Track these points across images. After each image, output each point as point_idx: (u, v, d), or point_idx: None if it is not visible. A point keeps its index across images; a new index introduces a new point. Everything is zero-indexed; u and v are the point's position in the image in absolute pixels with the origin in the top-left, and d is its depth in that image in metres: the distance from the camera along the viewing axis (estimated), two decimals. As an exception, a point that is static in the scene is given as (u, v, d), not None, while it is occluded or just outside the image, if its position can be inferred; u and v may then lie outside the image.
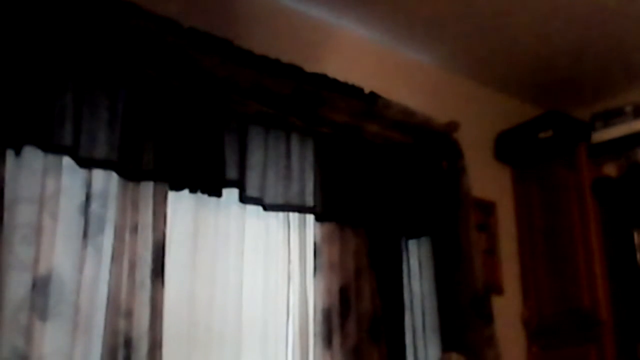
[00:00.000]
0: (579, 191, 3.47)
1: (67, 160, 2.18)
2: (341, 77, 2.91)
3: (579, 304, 3.37)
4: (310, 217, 2.77)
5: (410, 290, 3.03)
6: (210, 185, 2.47)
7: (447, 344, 3.01)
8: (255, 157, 2.62)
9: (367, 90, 2.98)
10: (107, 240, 2.21)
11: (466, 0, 3.06)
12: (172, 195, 2.39)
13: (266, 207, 2.63)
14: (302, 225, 2.77)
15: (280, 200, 2.66)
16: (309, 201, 2.74)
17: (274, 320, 2.61)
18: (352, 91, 2.92)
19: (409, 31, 3.28)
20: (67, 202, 2.17)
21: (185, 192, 2.44)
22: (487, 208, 3.56)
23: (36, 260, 2.06)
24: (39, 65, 2.15)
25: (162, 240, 2.30)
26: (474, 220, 3.19)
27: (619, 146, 3.47)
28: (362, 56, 3.25)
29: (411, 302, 3.02)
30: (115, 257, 2.20)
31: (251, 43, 2.66)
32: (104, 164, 2.24)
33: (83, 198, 2.20)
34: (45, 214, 2.10)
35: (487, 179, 3.58)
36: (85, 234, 2.17)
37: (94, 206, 2.20)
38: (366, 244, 2.85)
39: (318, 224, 2.75)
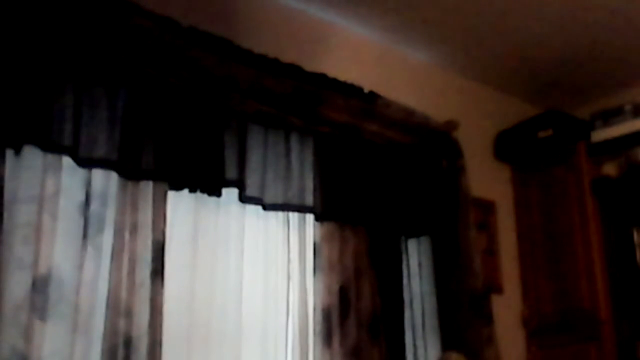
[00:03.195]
0: (579, 190, 3.47)
1: (66, 160, 2.18)
2: (341, 76, 2.91)
3: (578, 303, 3.37)
4: (310, 217, 2.77)
5: (410, 290, 3.04)
6: (209, 184, 2.47)
7: (447, 343, 3.01)
8: (254, 157, 2.62)
9: (366, 90, 2.99)
10: (107, 239, 2.21)
11: (466, 0, 3.06)
12: (171, 194, 2.39)
13: (266, 207, 2.63)
14: (302, 224, 2.76)
15: (279, 200, 2.66)
16: (309, 201, 2.74)
17: (274, 320, 2.61)
18: (351, 90, 2.92)
19: (409, 30, 3.28)
20: (66, 201, 2.16)
21: (185, 191, 2.43)
22: (487, 207, 3.56)
23: (36, 260, 2.06)
24: (39, 64, 2.14)
25: (161, 240, 2.30)
26: (473, 219, 3.20)
27: (618, 145, 3.47)
28: (362, 55, 3.24)
29: (411, 301, 3.02)
30: (115, 257, 2.20)
31: (251, 42, 2.66)
32: (104, 164, 2.24)
33: (83, 198, 2.20)
34: (45, 213, 2.10)
35: (486, 178, 3.58)
36: (84, 234, 2.17)
37: (94, 206, 2.20)
38: (366, 244, 2.85)
39: (318, 224, 2.75)
